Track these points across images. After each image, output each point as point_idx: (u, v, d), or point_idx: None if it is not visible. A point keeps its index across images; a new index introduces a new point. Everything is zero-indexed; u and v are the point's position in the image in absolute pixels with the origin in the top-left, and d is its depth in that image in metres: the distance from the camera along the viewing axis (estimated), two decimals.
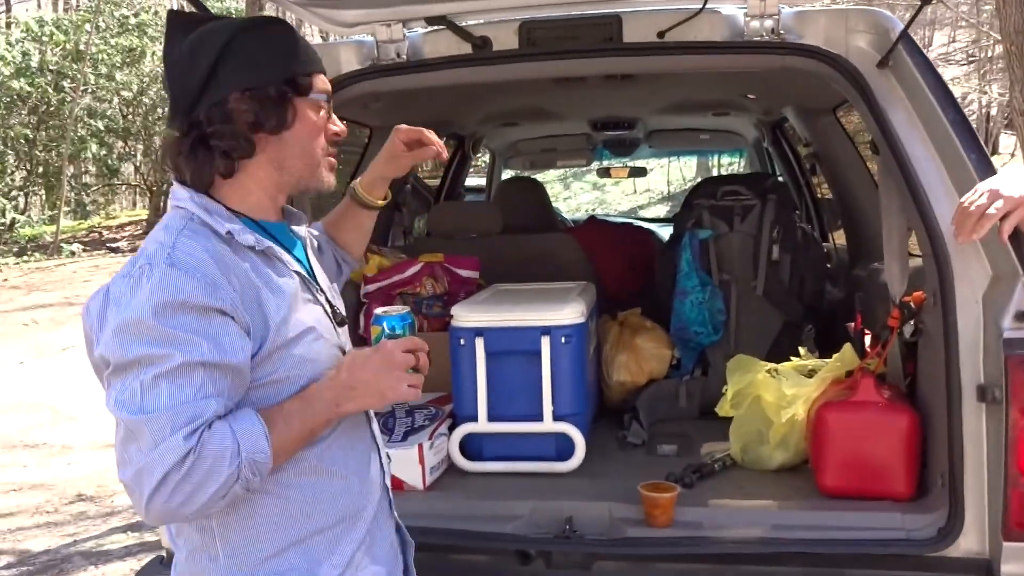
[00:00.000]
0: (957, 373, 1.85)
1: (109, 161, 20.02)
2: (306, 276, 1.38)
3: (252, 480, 1.19)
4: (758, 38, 2.11)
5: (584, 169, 6.17)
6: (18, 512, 4.72)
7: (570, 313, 2.35)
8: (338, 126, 1.40)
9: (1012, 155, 17.61)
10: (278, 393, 1.27)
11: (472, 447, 2.38)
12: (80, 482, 5.21)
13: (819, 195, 3.99)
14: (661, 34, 2.15)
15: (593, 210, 20.63)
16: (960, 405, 1.85)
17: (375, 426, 1.49)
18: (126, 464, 1.15)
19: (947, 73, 24.52)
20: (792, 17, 2.12)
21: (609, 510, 2.05)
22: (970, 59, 23.53)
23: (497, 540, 2.01)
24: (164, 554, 2.22)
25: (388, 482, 1.50)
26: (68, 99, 18.07)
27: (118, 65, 19.39)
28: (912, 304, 2.05)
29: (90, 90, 18.86)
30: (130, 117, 20.62)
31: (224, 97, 1.28)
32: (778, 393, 2.18)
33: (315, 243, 1.59)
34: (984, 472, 1.84)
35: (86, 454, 5.81)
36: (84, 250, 16.75)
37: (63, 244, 16.61)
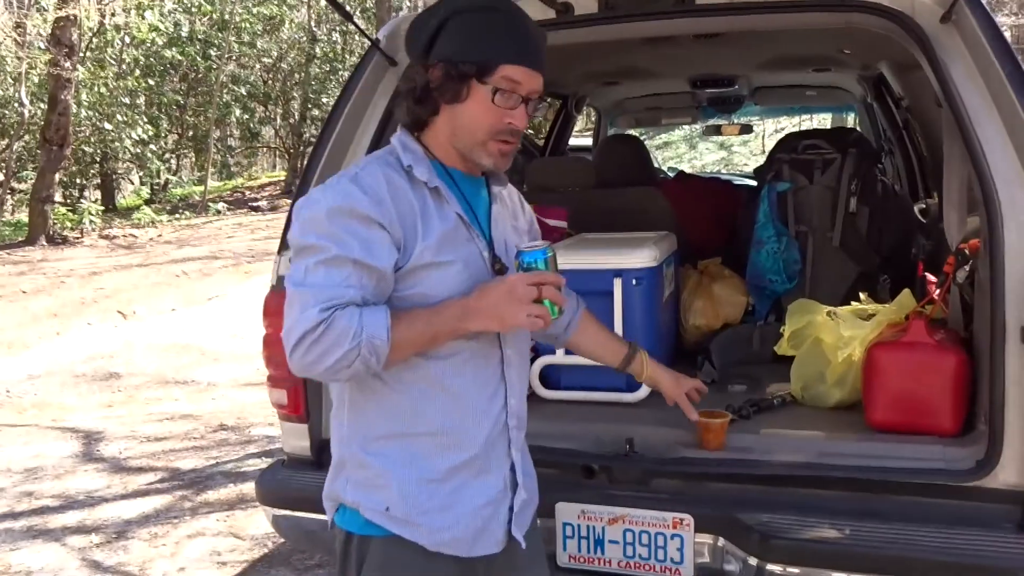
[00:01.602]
0: (1002, 315, 1.93)
1: (251, 125, 21.14)
2: (465, 219, 1.54)
3: (370, 360, 1.40)
4: None
5: (712, 128, 6.15)
6: (170, 437, 5.33)
7: (642, 258, 2.54)
8: (515, 120, 1.50)
9: None
10: (413, 305, 1.47)
11: (551, 377, 2.63)
12: (223, 414, 5.79)
13: (922, 151, 3.95)
14: None
15: (718, 170, 20.27)
16: (1003, 345, 1.93)
17: (513, 371, 1.61)
18: (285, 323, 1.43)
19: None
20: None
21: (667, 435, 2.26)
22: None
23: (565, 455, 2.24)
24: (285, 459, 2.59)
25: (513, 422, 1.61)
26: (214, 66, 19.17)
27: (259, 33, 20.34)
28: (967, 251, 2.13)
29: (234, 57, 19.88)
30: (270, 83, 21.68)
31: (429, 64, 1.51)
32: (836, 334, 2.31)
33: (516, 205, 1.76)
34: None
35: (228, 391, 6.42)
36: (228, 208, 17.90)
37: (210, 203, 17.80)
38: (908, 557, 1.88)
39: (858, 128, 5.77)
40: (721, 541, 2.07)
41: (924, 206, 3.49)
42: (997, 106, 1.99)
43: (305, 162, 2.59)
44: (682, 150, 23.99)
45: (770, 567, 1.97)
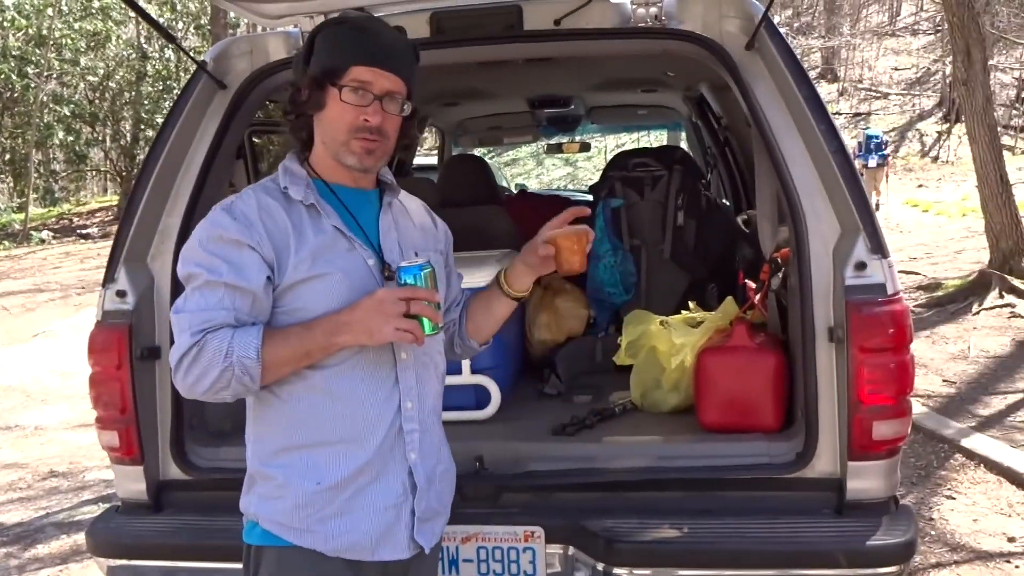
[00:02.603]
0: (811, 317, 2.11)
1: (77, 147, 19.90)
2: (345, 230, 1.59)
3: (244, 379, 1.47)
4: (643, 24, 2.34)
5: (554, 146, 6.34)
6: None
7: (484, 276, 2.57)
8: (370, 116, 1.55)
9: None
10: (298, 320, 1.53)
11: None
12: (53, 460, 5.39)
13: (741, 165, 4.23)
14: (557, 21, 2.37)
15: (565, 185, 20.84)
16: (814, 345, 2.11)
17: (410, 374, 1.62)
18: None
19: (915, 43, 24.84)
20: (675, 4, 2.34)
21: (516, 449, 2.31)
22: (936, 28, 23.88)
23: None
24: (120, 504, 2.45)
25: (410, 426, 1.62)
26: (32, 85, 17.93)
27: (82, 50, 19.21)
28: (779, 259, 2.30)
29: (55, 75, 18.69)
30: (97, 102, 20.47)
31: (299, 82, 1.60)
32: (669, 342, 2.44)
33: (412, 210, 1.78)
34: (835, 403, 2.09)
35: (59, 434, 5.98)
36: (54, 237, 16.74)
37: (32, 232, 16.58)
38: (740, 550, 2.02)
39: (685, 146, 6.13)
40: (571, 550, 2.14)
41: (746, 217, 3.74)
42: (797, 125, 2.18)
43: None
44: (530, 166, 24.57)
45: (616, 571, 2.05)
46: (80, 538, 4.03)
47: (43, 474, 5.13)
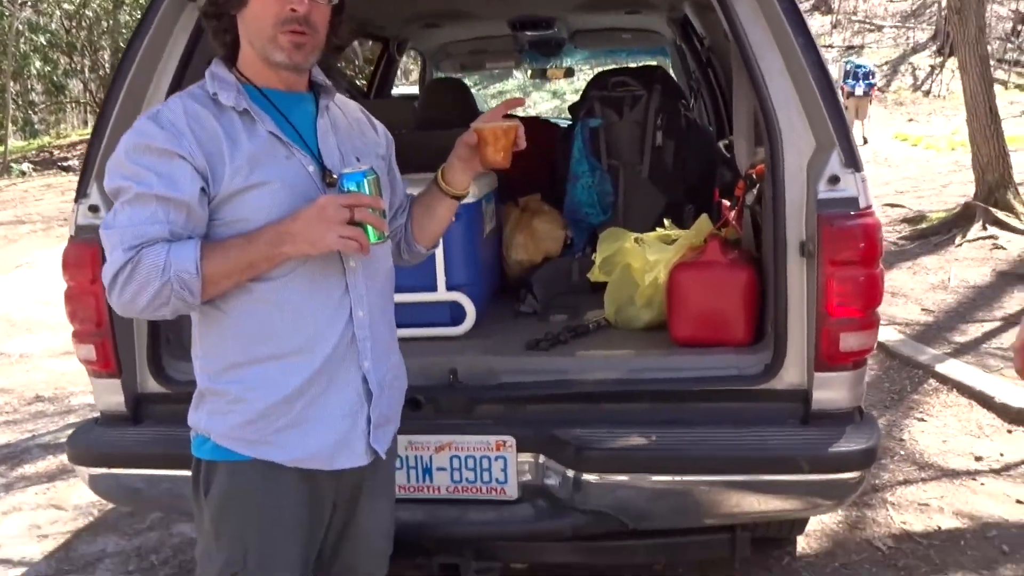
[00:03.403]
0: (783, 232, 2.12)
1: (55, 77, 19.48)
2: (282, 136, 1.52)
3: (183, 294, 1.43)
4: None
5: (538, 72, 6.24)
6: None
7: None
8: (296, 5, 1.47)
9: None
10: (238, 232, 1.47)
11: None
12: (38, 385, 5.42)
13: (724, 88, 4.19)
14: None
15: (557, 114, 20.62)
16: (785, 259, 2.12)
17: (360, 281, 1.59)
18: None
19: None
20: None
21: (490, 362, 2.34)
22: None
23: None
24: (99, 417, 2.48)
25: (362, 333, 1.60)
26: (6, 13, 17.44)
27: None
28: (754, 175, 2.30)
29: (29, 3, 18.18)
30: (74, 31, 19.98)
31: None
32: (642, 259, 2.46)
33: (350, 114, 1.72)
34: (804, 316, 2.12)
35: (44, 361, 5.99)
36: (35, 169, 16.52)
37: (12, 164, 16.35)
38: (706, 455, 2.07)
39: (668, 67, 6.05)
40: (541, 458, 2.19)
41: (727, 142, 3.73)
42: (777, 40, 2.15)
43: None
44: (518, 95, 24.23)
45: (586, 477, 2.10)
46: (66, 458, 4.08)
47: (29, 399, 5.15)
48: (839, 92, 2.18)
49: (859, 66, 15.69)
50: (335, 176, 1.53)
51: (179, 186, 1.44)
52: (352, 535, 1.72)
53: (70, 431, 4.46)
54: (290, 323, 1.53)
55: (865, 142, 14.78)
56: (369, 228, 1.47)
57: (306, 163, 1.55)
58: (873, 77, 15.99)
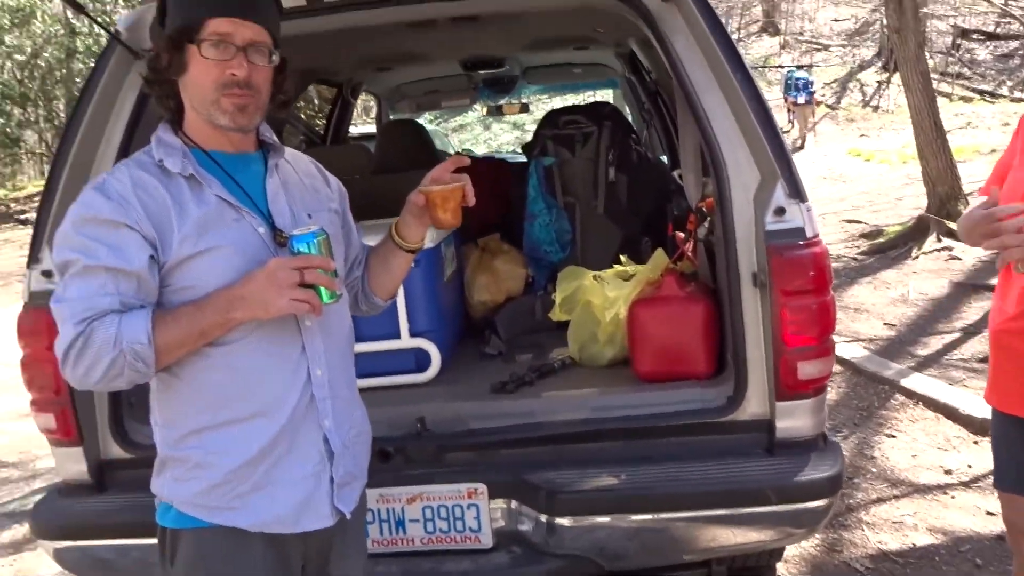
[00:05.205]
0: (735, 264, 2.16)
1: (8, 130, 19.22)
2: (230, 199, 1.51)
3: (137, 365, 1.40)
4: None
5: (493, 108, 6.28)
6: None
7: None
8: (235, 69, 1.47)
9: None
10: (191, 298, 1.45)
11: None
12: (1, 450, 5.29)
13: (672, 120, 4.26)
14: None
15: (512, 149, 20.74)
16: (740, 291, 2.16)
17: (317, 340, 1.57)
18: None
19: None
20: None
21: (457, 409, 2.33)
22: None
23: None
24: (62, 485, 2.43)
25: (321, 393, 1.58)
26: None
27: (6, 27, 18.48)
28: (704, 209, 2.35)
29: None
30: (26, 82, 19.76)
31: (157, 46, 1.51)
32: (602, 296, 2.48)
33: (301, 169, 1.70)
34: (762, 347, 2.15)
35: (6, 424, 5.84)
36: None
37: None
38: (675, 493, 2.08)
39: (617, 102, 6.14)
40: (514, 504, 2.18)
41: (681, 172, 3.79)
42: (716, 78, 2.20)
43: None
44: (477, 131, 24.39)
45: (559, 520, 2.10)
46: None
47: None
48: (783, 109, 2.23)
49: (798, 77, 16.67)
50: (286, 236, 1.52)
51: (128, 257, 1.43)
52: None
53: (36, 498, 4.42)
54: (248, 386, 1.52)
55: (801, 147, 15.37)
56: (321, 289, 1.46)
57: (256, 225, 1.53)
58: (812, 85, 16.76)
